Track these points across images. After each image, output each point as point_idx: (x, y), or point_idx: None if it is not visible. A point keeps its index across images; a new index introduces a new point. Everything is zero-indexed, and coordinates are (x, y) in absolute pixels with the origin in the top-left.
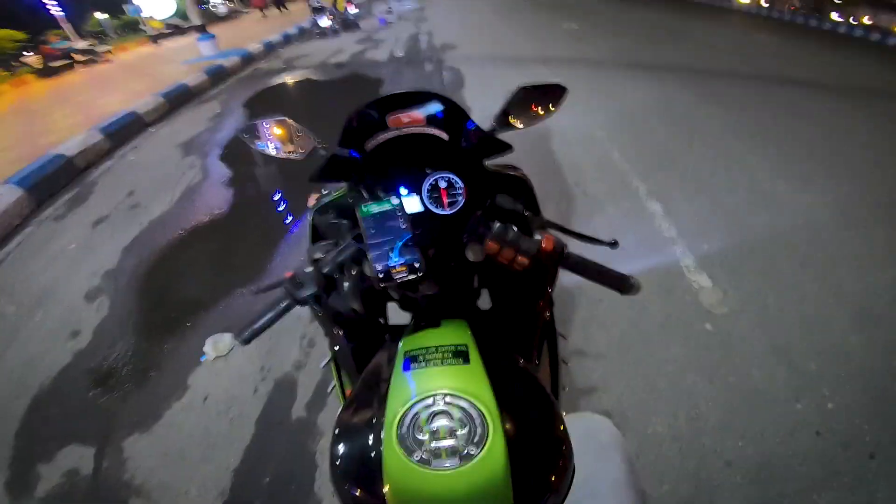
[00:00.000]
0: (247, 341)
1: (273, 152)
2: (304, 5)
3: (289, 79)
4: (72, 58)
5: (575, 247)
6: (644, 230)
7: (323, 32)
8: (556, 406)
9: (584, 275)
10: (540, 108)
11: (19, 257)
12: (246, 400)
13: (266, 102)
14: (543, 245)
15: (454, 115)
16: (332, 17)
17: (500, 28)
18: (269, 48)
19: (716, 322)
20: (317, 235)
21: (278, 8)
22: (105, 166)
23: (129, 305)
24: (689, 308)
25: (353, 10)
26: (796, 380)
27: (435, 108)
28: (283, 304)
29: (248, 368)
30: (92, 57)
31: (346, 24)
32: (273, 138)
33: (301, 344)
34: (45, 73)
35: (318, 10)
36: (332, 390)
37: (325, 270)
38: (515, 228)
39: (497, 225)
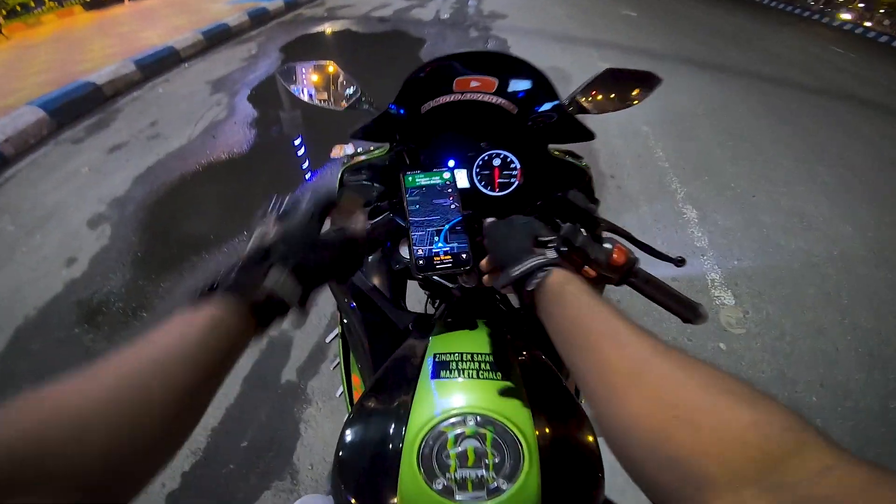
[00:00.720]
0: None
1: (306, 98)
2: None
3: (329, 28)
4: None
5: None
6: (675, 235)
7: None
8: (594, 431)
9: (650, 295)
10: (624, 95)
11: (29, 176)
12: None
13: (303, 49)
14: (614, 256)
15: (536, 88)
16: None
17: (553, 5)
18: None
19: (730, 342)
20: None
21: None
22: (132, 96)
23: (131, 237)
24: (708, 323)
25: None
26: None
27: (515, 76)
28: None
29: None
30: None
31: None
32: (309, 84)
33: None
34: (93, 5)
35: None
36: (335, 367)
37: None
38: (585, 232)
39: (567, 225)
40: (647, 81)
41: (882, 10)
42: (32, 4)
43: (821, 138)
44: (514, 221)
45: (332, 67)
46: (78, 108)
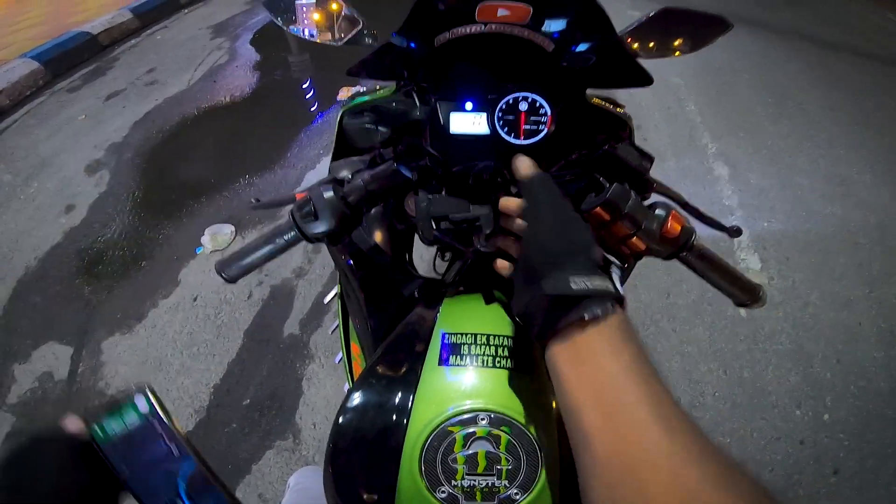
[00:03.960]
0: (233, 279)
1: (307, 36)
2: None
3: None
4: None
5: None
6: (703, 192)
7: None
8: None
9: (702, 273)
10: (683, 39)
11: (25, 125)
12: (238, 305)
13: None
14: (669, 225)
15: (581, 20)
16: None
17: None
18: None
19: (751, 310)
20: (344, 142)
21: None
22: (130, 44)
23: (129, 183)
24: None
25: None
26: (806, 386)
27: (556, 4)
28: (286, 238)
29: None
30: None
31: None
32: (310, 22)
33: (306, 248)
34: None
35: None
36: (334, 331)
37: (351, 199)
38: (635, 195)
39: (615, 185)
40: (711, 26)
41: None
42: None
43: (872, 104)
44: (567, 207)
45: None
46: (73, 58)
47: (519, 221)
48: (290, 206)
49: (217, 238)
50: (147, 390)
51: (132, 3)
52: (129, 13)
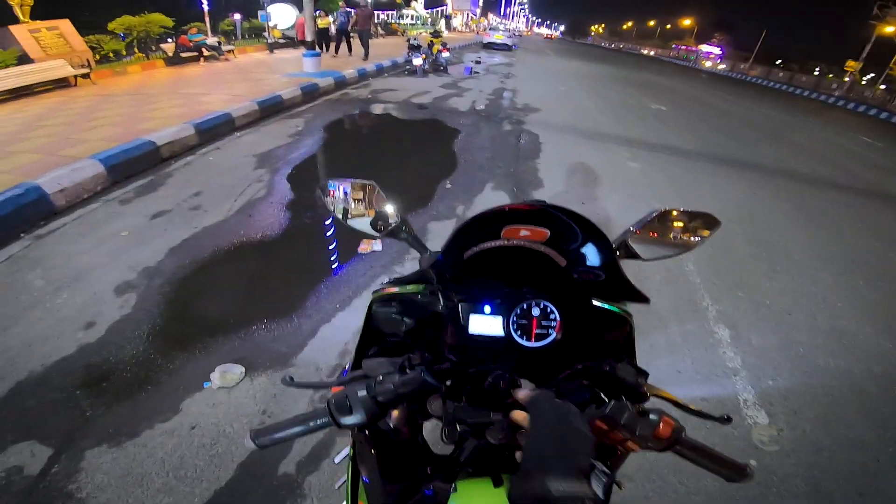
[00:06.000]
0: (263, 447)
1: (340, 214)
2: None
3: (372, 110)
4: (200, 52)
5: None
6: (707, 358)
7: (413, 70)
8: None
9: (693, 460)
10: (678, 238)
11: (72, 232)
12: (236, 440)
13: (345, 130)
14: (661, 429)
15: (589, 243)
16: (425, 57)
17: (586, 100)
18: (362, 75)
19: (762, 459)
20: (371, 326)
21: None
22: (185, 160)
23: (152, 310)
24: (738, 441)
25: (445, 54)
26: None
27: (569, 230)
28: (320, 422)
29: (249, 408)
30: (215, 54)
31: (437, 66)
32: (347, 201)
33: (312, 398)
34: (173, 61)
35: (415, 49)
36: (340, 487)
37: (381, 399)
38: (630, 406)
39: (613, 403)
40: (703, 223)
41: None
42: (124, 53)
43: (859, 247)
44: (569, 412)
45: (371, 187)
46: (134, 166)
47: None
48: (326, 401)
49: (227, 376)
50: None
51: (196, 118)
52: (192, 128)
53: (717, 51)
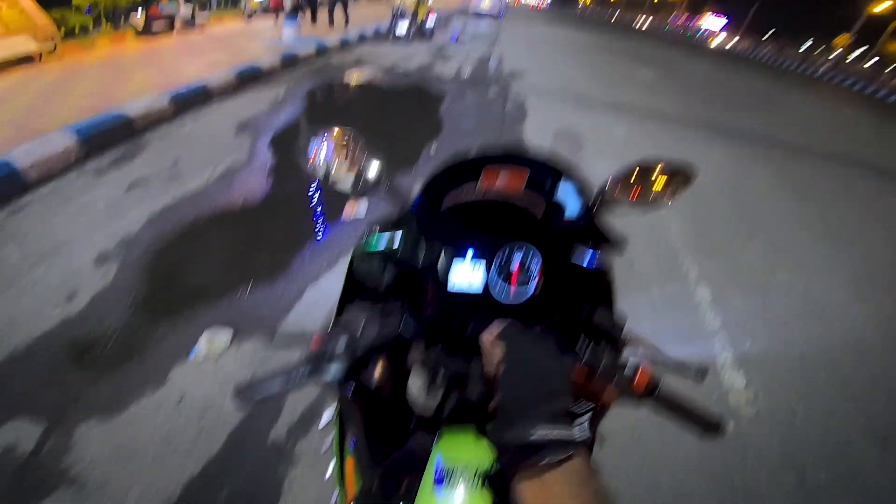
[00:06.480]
0: (246, 404)
1: (321, 174)
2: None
3: (354, 78)
4: (173, 22)
5: None
6: (687, 317)
7: (398, 37)
8: None
9: (668, 412)
10: (657, 190)
11: (46, 205)
12: (224, 410)
13: (327, 98)
14: (637, 379)
15: (567, 191)
16: (410, 23)
17: (573, 66)
18: (345, 43)
19: (739, 423)
20: (353, 280)
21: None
22: (161, 131)
23: (134, 279)
24: (716, 406)
25: (430, 21)
26: (802, 490)
27: (547, 175)
28: (302, 378)
29: (238, 375)
30: (189, 24)
31: (422, 33)
32: (329, 156)
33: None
34: (144, 33)
35: (399, 16)
36: (326, 451)
37: (361, 351)
38: (607, 355)
39: (591, 349)
40: (681, 174)
41: (889, 70)
42: (90, 27)
43: (839, 215)
44: (542, 345)
45: (349, 136)
46: (108, 138)
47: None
48: (307, 354)
49: (213, 343)
50: None
51: (171, 89)
52: (167, 99)
53: (721, 22)
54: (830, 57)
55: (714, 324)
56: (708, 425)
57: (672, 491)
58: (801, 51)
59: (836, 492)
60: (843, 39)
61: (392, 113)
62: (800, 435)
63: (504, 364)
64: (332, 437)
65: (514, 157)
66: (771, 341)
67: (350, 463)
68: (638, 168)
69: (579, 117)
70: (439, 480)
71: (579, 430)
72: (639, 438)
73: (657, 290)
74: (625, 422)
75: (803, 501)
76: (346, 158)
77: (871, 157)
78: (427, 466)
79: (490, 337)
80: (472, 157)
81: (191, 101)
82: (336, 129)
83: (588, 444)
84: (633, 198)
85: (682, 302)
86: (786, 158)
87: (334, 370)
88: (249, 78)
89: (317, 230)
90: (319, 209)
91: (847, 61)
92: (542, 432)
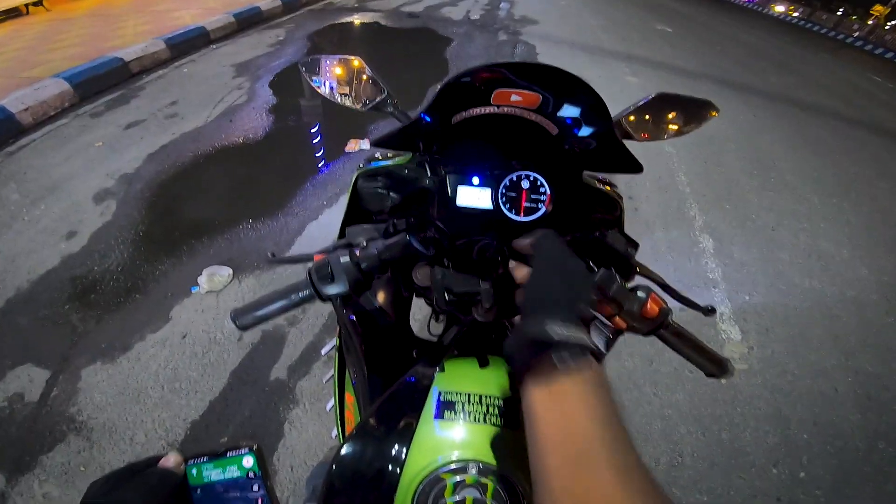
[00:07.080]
0: (245, 327)
1: (327, 92)
2: None
3: (358, 19)
4: None
5: None
6: (688, 265)
7: None
8: None
9: (676, 347)
10: (675, 123)
11: (43, 146)
12: (227, 347)
13: (329, 39)
14: (648, 307)
15: (583, 110)
16: None
17: (587, 16)
18: None
19: (729, 379)
20: (357, 202)
21: None
22: (157, 74)
23: (134, 215)
24: None
25: None
26: (784, 446)
27: (563, 94)
28: (301, 295)
29: None
30: None
31: None
32: (332, 78)
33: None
34: None
35: None
36: (328, 380)
37: (365, 266)
38: (619, 279)
39: (602, 271)
40: (702, 110)
41: None
42: None
43: (851, 175)
44: (573, 256)
45: (357, 62)
46: (102, 82)
47: (524, 283)
48: (308, 269)
49: (214, 279)
50: (255, 450)
51: (167, 34)
52: (162, 43)
53: None
54: (868, 22)
55: (715, 274)
56: (715, 363)
57: (663, 438)
58: (836, 14)
59: (816, 451)
60: (880, 9)
61: (397, 54)
62: (788, 391)
63: (534, 265)
64: (332, 373)
65: (531, 74)
66: (770, 293)
67: (350, 398)
68: (658, 98)
69: (592, 65)
70: (439, 415)
71: (597, 338)
72: (636, 387)
73: (661, 235)
74: (621, 370)
75: (784, 457)
76: (347, 75)
77: (893, 125)
78: (427, 399)
79: (525, 242)
80: (487, 65)
81: (188, 44)
82: (338, 57)
83: (600, 359)
84: (650, 127)
85: (685, 249)
86: (805, 117)
87: (335, 289)
88: (249, 20)
89: (319, 164)
90: (321, 142)
91: (884, 28)
92: (559, 330)
